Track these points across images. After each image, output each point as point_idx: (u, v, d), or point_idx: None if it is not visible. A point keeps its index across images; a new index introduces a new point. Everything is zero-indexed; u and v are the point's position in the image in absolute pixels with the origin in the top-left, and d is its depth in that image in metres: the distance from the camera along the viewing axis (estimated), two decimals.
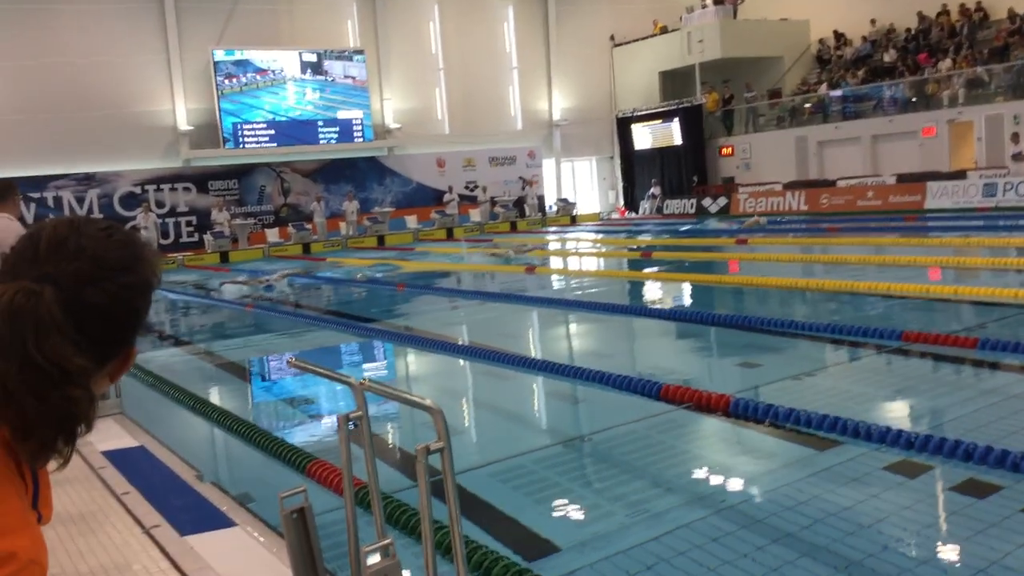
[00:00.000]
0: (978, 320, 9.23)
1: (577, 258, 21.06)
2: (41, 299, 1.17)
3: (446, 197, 31.16)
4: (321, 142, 30.94)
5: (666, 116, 33.40)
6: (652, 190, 32.90)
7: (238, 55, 29.35)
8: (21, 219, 6.72)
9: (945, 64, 27.35)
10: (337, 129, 31.14)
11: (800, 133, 29.98)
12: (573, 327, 11.70)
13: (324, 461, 5.52)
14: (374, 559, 2.76)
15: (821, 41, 33.46)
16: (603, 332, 11.04)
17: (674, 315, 11.13)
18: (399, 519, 4.49)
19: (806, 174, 29.27)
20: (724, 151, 32.47)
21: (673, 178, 33.25)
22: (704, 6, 33.84)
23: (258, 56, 29.70)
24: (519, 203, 32.47)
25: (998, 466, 4.78)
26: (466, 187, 32.60)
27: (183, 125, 28.82)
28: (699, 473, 5.48)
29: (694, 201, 30.92)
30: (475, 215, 31.12)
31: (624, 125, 35.07)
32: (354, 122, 31.33)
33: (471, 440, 6.77)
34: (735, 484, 5.17)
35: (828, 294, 11.61)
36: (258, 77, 29.72)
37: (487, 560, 3.93)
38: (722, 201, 29.83)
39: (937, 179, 24.42)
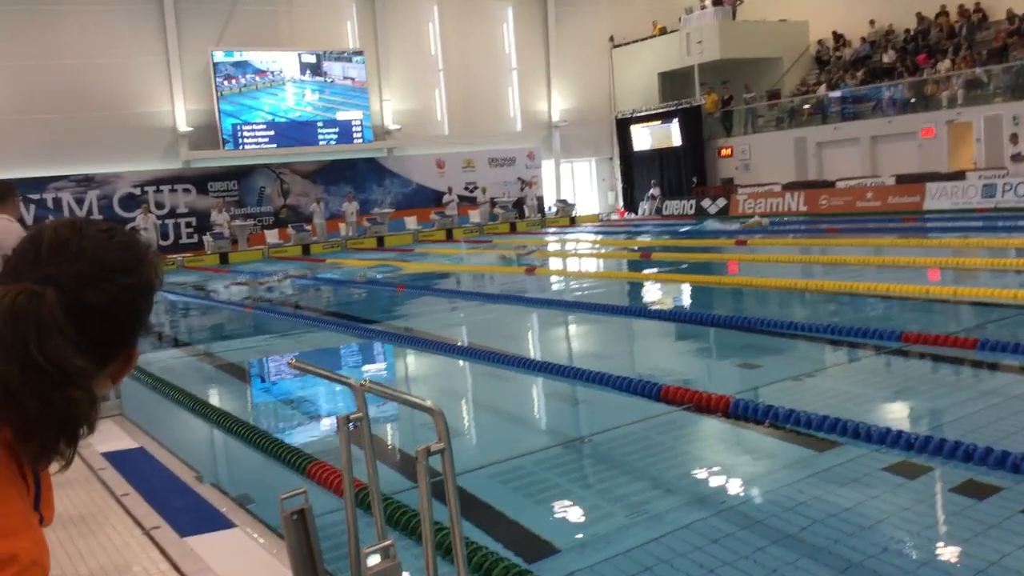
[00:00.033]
0: (977, 321, 9.23)
1: (577, 259, 21.06)
2: (43, 300, 1.17)
3: (445, 198, 31.17)
4: (320, 143, 30.94)
5: (665, 117, 33.41)
6: (651, 191, 32.91)
7: (237, 56, 29.35)
8: (20, 220, 6.71)
9: (944, 65, 27.36)
10: (336, 130, 31.14)
11: (799, 134, 29.99)
12: (573, 328, 11.70)
13: (324, 462, 5.52)
14: (374, 560, 2.76)
15: (820, 42, 33.48)
16: (603, 333, 11.04)
17: (674, 316, 11.13)
18: (399, 520, 4.49)
19: (805, 175, 29.28)
20: (723, 152, 32.48)
21: (672, 179, 33.26)
22: (703, 7, 33.85)
23: (257, 57, 29.71)
24: (518, 204, 32.47)
25: (998, 467, 4.79)
26: (465, 188, 32.61)
27: (182, 126, 28.82)
28: (699, 474, 5.48)
29: (693, 202, 30.93)
30: (474, 216, 31.13)
31: (623, 126, 35.09)
32: (353, 123, 31.33)
33: (471, 441, 6.77)
34: (735, 485, 5.17)
35: (827, 295, 11.62)
36: (257, 78, 29.72)
37: (487, 561, 3.93)
38: (721, 202, 29.84)
39: (936, 180, 24.43)
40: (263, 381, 10.12)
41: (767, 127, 31.91)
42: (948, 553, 4.09)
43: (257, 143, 29.87)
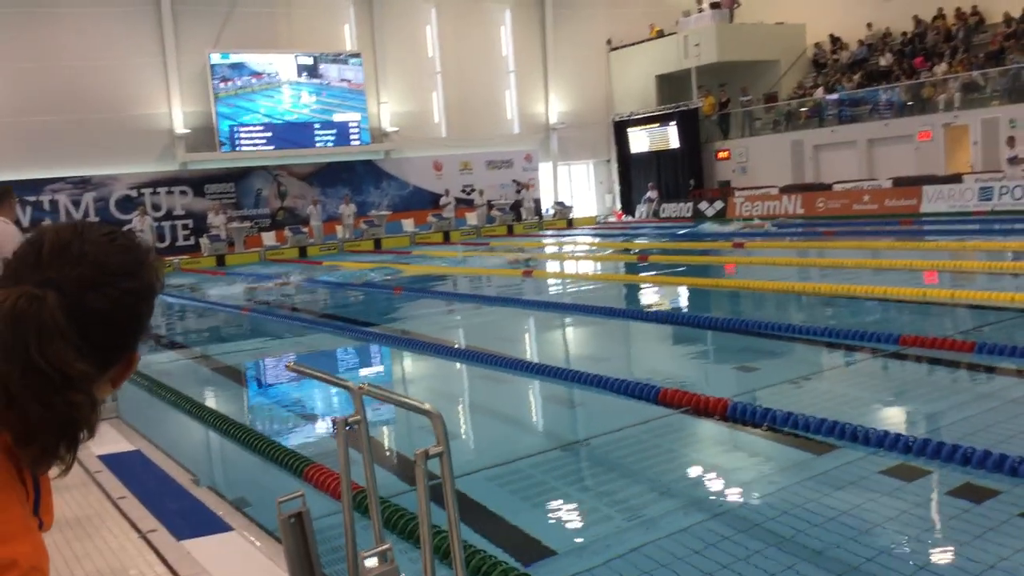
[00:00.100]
0: (975, 324, 9.24)
1: (574, 262, 21.07)
2: (44, 304, 1.17)
3: (443, 200, 31.17)
4: (318, 145, 30.92)
5: (663, 120, 33.44)
6: (649, 194, 32.92)
7: (233, 58, 29.33)
8: (17, 222, 6.71)
9: (941, 68, 27.41)
10: (334, 132, 31.12)
11: (796, 137, 30.02)
12: (570, 331, 11.70)
13: (321, 465, 5.51)
14: (372, 564, 2.75)
15: (817, 45, 33.53)
16: (600, 336, 11.04)
17: (672, 318, 11.13)
18: (397, 524, 4.48)
19: (802, 178, 29.32)
20: (720, 155, 32.51)
21: (670, 182, 33.27)
22: (700, 10, 33.91)
23: (253, 59, 29.69)
24: (515, 207, 32.48)
25: (996, 470, 4.78)
26: (463, 190, 32.61)
27: (179, 128, 28.80)
28: (697, 477, 5.48)
29: (690, 205, 30.95)
30: (472, 218, 31.14)
31: (621, 129, 35.11)
32: (350, 125, 31.32)
33: (469, 444, 6.76)
34: (733, 488, 5.16)
35: (825, 298, 11.64)
36: (254, 80, 29.70)
37: (485, 564, 3.92)
38: (718, 205, 29.86)
39: (933, 183, 24.46)
40: (260, 384, 10.11)
41: (764, 130, 31.95)
42: (946, 556, 4.09)
43: (254, 145, 29.85)
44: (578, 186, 37.20)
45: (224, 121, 29.28)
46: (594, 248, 23.60)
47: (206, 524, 4.68)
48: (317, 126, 30.86)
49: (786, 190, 28.39)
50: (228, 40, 29.41)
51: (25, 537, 1.15)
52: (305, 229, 28.50)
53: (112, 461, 5.89)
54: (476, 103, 33.79)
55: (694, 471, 5.61)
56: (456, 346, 10.75)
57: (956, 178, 24.32)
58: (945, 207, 23.54)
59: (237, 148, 29.54)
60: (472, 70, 33.71)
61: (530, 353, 10.41)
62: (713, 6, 33.35)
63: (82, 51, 27.13)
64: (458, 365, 9.75)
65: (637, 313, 12.12)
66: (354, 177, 31.26)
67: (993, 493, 4.62)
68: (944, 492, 4.82)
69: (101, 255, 1.25)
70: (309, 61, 30.52)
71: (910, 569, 3.89)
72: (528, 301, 13.47)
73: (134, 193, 27.69)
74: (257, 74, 29.78)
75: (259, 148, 29.95)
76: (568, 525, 4.85)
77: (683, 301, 13.19)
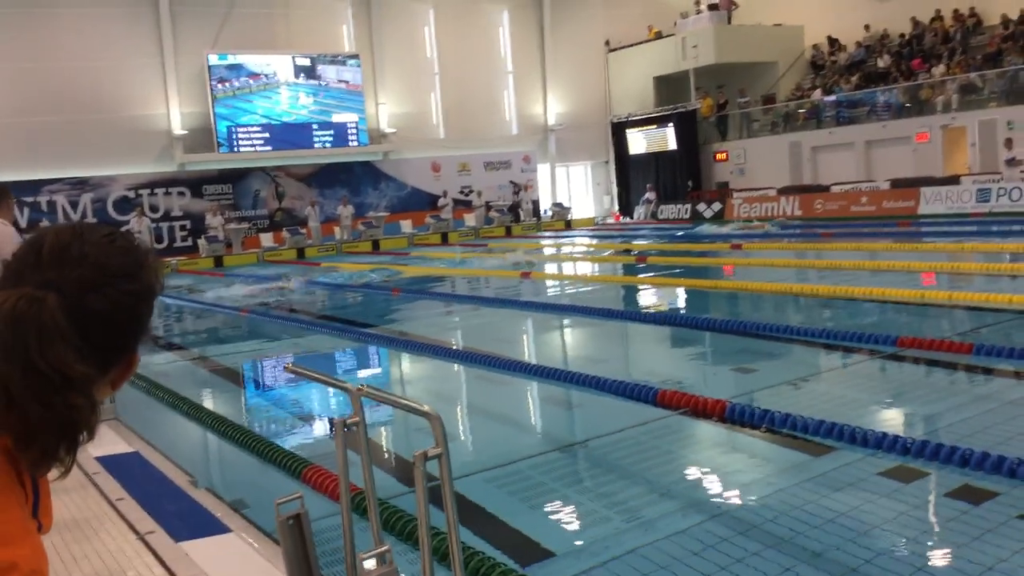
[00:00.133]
0: (972, 325, 9.26)
1: (572, 263, 21.07)
2: (44, 305, 1.17)
3: (441, 201, 31.16)
4: (316, 146, 30.90)
5: (661, 121, 33.44)
6: (647, 195, 32.93)
7: (231, 59, 29.31)
8: (15, 223, 6.70)
9: (939, 70, 27.44)
10: (332, 132, 31.10)
11: (794, 138, 30.04)
12: (569, 332, 11.70)
13: (320, 467, 5.51)
14: (371, 565, 2.75)
15: (815, 46, 33.55)
16: (599, 337, 11.04)
17: (670, 320, 11.13)
18: (396, 525, 4.48)
19: (800, 179, 29.33)
20: (718, 156, 32.52)
21: (668, 183, 33.28)
22: (698, 11, 33.92)
23: (251, 60, 29.67)
24: (514, 208, 32.48)
25: (994, 472, 4.79)
26: (461, 191, 32.60)
27: (177, 129, 28.77)
28: (695, 479, 5.48)
29: (689, 206, 30.96)
30: (470, 219, 31.14)
31: (619, 130, 35.11)
32: (348, 125, 31.30)
33: (467, 445, 6.76)
34: (731, 490, 5.16)
35: (823, 299, 11.65)
36: (251, 81, 29.68)
37: (483, 566, 3.92)
38: (716, 206, 29.87)
39: (931, 184, 24.48)
40: (258, 385, 10.10)
41: (762, 131, 31.96)
42: (944, 558, 4.09)
43: (252, 146, 29.82)
44: (576, 187, 37.21)
45: (222, 122, 29.26)
46: (592, 249, 23.60)
47: (204, 526, 4.68)
48: (315, 127, 30.85)
49: (784, 191, 28.41)
50: (226, 41, 29.39)
51: (24, 540, 1.14)
52: (303, 230, 28.49)
53: (110, 463, 5.89)
54: (474, 104, 33.79)
55: (692, 473, 5.61)
56: (455, 347, 10.75)
57: (954, 180, 24.35)
58: (943, 209, 23.56)
59: (235, 149, 29.52)
60: (470, 71, 33.71)
61: (528, 354, 10.41)
62: (711, 7, 33.38)
63: (80, 52, 27.11)
64: (457, 366, 9.75)
65: (635, 314, 12.13)
66: (352, 178, 31.25)
67: (991, 495, 4.62)
68: (942, 494, 4.82)
69: (101, 256, 1.25)
70: (307, 62, 30.52)
71: (908, 571, 3.89)
72: (526, 302, 13.47)
73: (132, 194, 27.67)
74: (255, 75, 29.76)
75: (257, 149, 29.93)
76: (567, 527, 4.84)
77: (681, 302, 13.20)
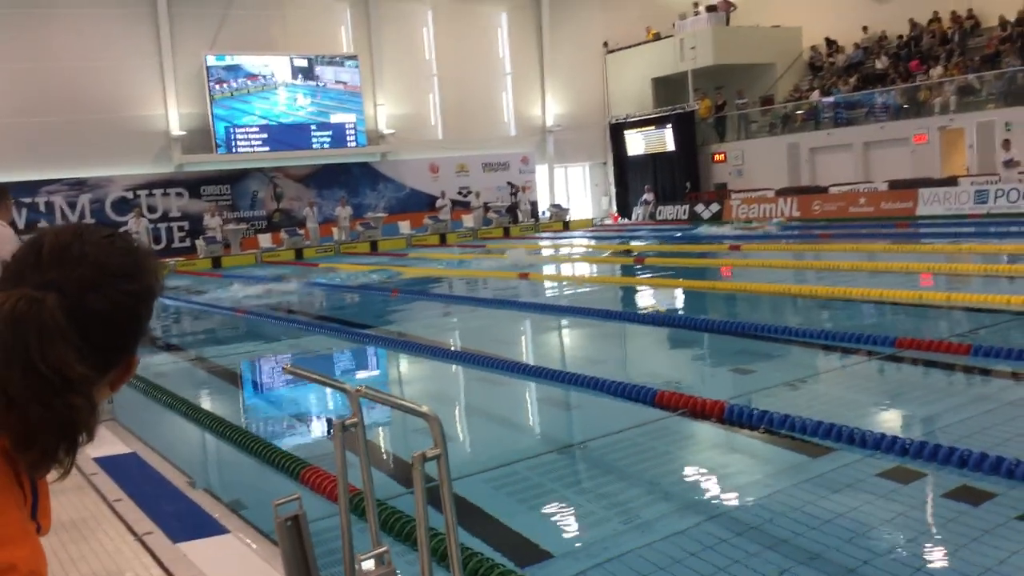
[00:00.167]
0: (971, 326, 9.26)
1: (570, 264, 21.06)
2: (44, 306, 1.16)
3: (439, 202, 31.15)
4: (314, 146, 30.88)
5: (659, 122, 33.45)
6: (645, 196, 32.93)
7: (228, 60, 29.29)
8: (12, 224, 6.70)
9: (936, 71, 27.46)
10: (330, 133, 31.08)
11: (792, 140, 30.06)
12: (567, 333, 11.70)
13: (318, 467, 5.51)
14: (369, 567, 2.74)
15: (813, 48, 33.57)
16: (597, 338, 11.04)
17: (668, 321, 11.13)
18: (394, 526, 4.47)
19: (798, 180, 29.35)
20: (717, 157, 32.53)
21: (666, 184, 33.29)
22: (697, 13, 33.94)
23: (248, 61, 29.65)
24: (512, 209, 32.48)
25: (992, 473, 4.79)
26: (459, 192, 32.59)
27: (175, 130, 28.76)
28: (693, 479, 5.47)
29: (687, 207, 30.97)
30: (468, 220, 31.14)
31: (617, 131, 35.12)
32: (347, 126, 31.28)
33: (466, 446, 6.76)
34: (729, 491, 5.16)
35: (821, 300, 11.65)
36: (249, 82, 29.66)
37: (482, 567, 3.92)
38: (715, 207, 29.87)
39: (929, 186, 24.49)
40: (256, 386, 10.10)
41: (760, 132, 31.98)
42: (943, 559, 4.09)
43: (250, 146, 29.80)
44: (574, 188, 37.21)
45: (220, 123, 29.23)
46: (590, 250, 23.60)
47: (202, 527, 4.67)
48: (313, 127, 30.83)
49: (782, 193, 28.42)
50: (225, 42, 29.38)
51: (23, 541, 1.14)
52: (301, 231, 28.48)
53: (108, 463, 5.88)
54: (472, 105, 33.79)
55: (691, 473, 5.61)
56: (453, 348, 10.75)
57: (952, 181, 24.36)
58: (941, 210, 23.57)
59: (233, 150, 29.50)
60: (468, 72, 33.71)
61: (527, 355, 10.41)
62: (709, 9, 33.40)
63: (78, 52, 27.09)
64: (455, 367, 9.75)
65: (634, 315, 12.13)
66: (350, 179, 31.23)
67: (990, 495, 4.62)
68: (941, 494, 4.82)
69: (101, 257, 1.25)
70: (304, 63, 30.50)
71: (907, 572, 3.89)
72: (525, 303, 13.47)
73: (130, 195, 27.64)
74: (252, 76, 29.74)
75: (255, 150, 29.91)
76: (565, 528, 4.84)
77: (679, 303, 13.20)
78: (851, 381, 7.69)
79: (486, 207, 31.78)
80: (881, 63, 30.01)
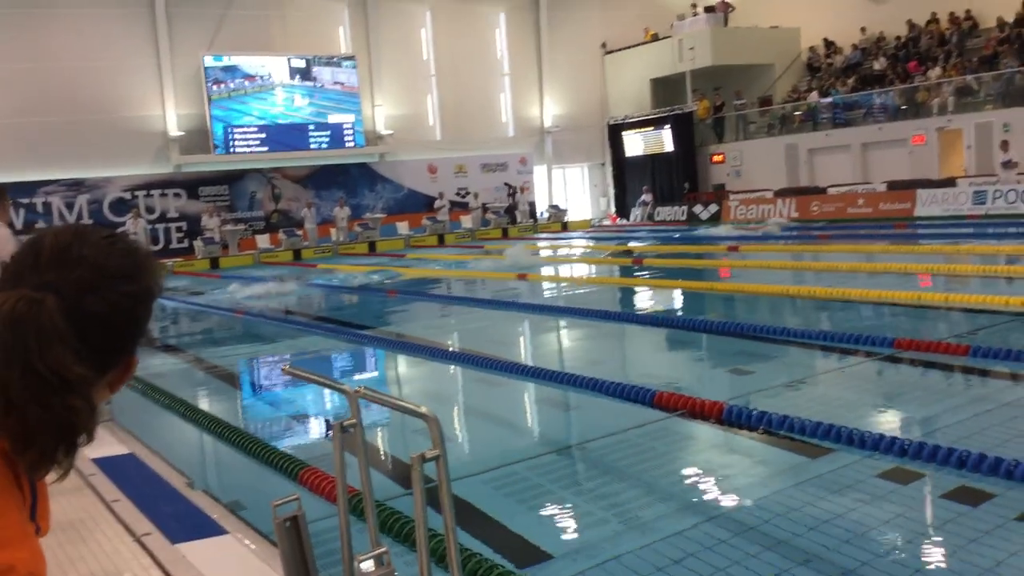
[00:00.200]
0: (969, 327, 9.26)
1: (569, 265, 21.07)
2: (43, 307, 1.16)
3: (437, 203, 31.13)
4: (312, 147, 30.86)
5: (657, 123, 33.46)
6: (643, 197, 32.94)
7: (226, 60, 29.27)
8: (10, 225, 6.69)
9: (935, 72, 27.48)
10: (328, 133, 31.06)
11: (790, 140, 30.07)
12: (565, 334, 11.69)
13: (317, 468, 5.50)
14: (368, 567, 2.74)
15: (811, 49, 33.59)
16: (596, 339, 11.04)
17: (667, 322, 11.13)
18: (393, 527, 4.47)
19: (796, 181, 29.37)
20: (715, 158, 32.55)
21: (664, 185, 33.30)
22: (695, 14, 33.96)
23: (245, 62, 29.62)
24: (510, 210, 32.48)
25: (991, 474, 4.79)
26: (457, 193, 32.58)
27: (173, 131, 28.74)
28: (692, 480, 5.47)
29: (685, 208, 30.98)
30: (466, 221, 31.14)
31: (615, 132, 35.13)
32: (345, 126, 31.26)
33: (464, 447, 6.76)
34: (728, 491, 5.16)
35: (819, 301, 11.65)
36: (246, 83, 29.63)
37: (481, 568, 3.91)
38: (713, 208, 29.89)
39: (927, 187, 24.50)
40: (255, 387, 10.09)
41: (759, 133, 32.00)
42: (941, 560, 4.09)
43: (248, 147, 29.78)
44: (573, 189, 37.22)
45: (218, 124, 29.22)
46: (589, 251, 23.60)
47: (201, 527, 4.67)
48: (311, 128, 30.81)
49: (780, 194, 28.43)
50: (223, 43, 29.36)
51: (23, 542, 1.14)
52: (299, 232, 28.47)
53: (106, 464, 5.87)
54: (471, 106, 33.79)
55: (690, 474, 5.61)
56: (452, 349, 10.75)
57: (950, 182, 24.37)
58: (939, 211, 23.58)
59: (231, 151, 29.48)
60: (467, 73, 33.70)
61: (525, 356, 10.40)
62: (708, 10, 33.42)
63: (76, 53, 27.06)
64: (454, 368, 9.74)
65: (632, 316, 12.13)
66: (348, 180, 31.22)
67: (988, 496, 4.63)
68: (939, 495, 4.82)
69: (100, 258, 1.25)
70: (302, 64, 30.48)
71: (906, 573, 3.89)
72: (523, 304, 13.47)
73: (128, 195, 27.63)
74: (250, 76, 29.73)
75: (253, 150, 29.89)
76: (564, 528, 4.84)
77: (678, 304, 13.20)
78: (850, 382, 7.69)
79: (484, 208, 31.78)
80: (879, 64, 30.04)
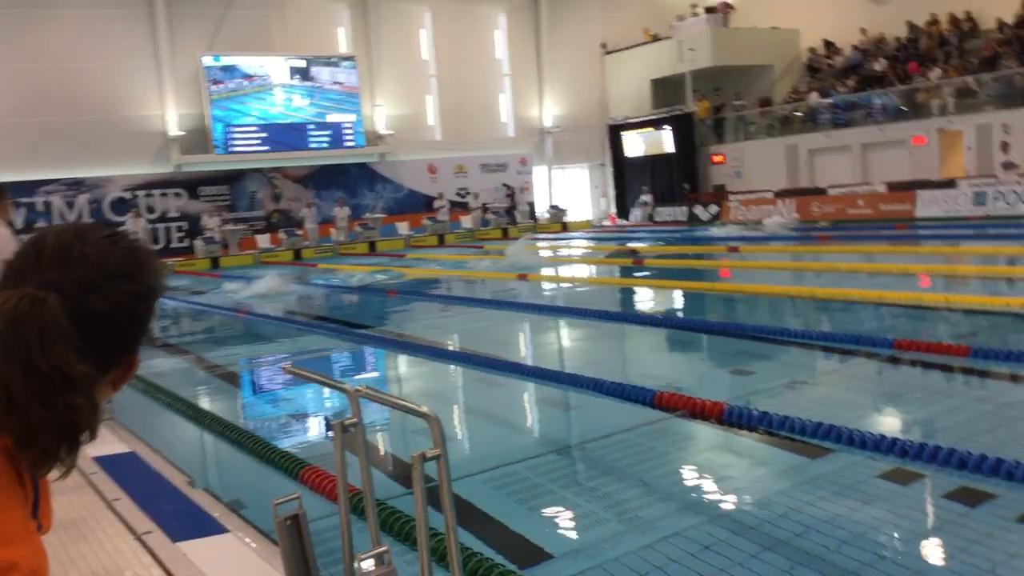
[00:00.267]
0: (969, 328, 9.26)
1: (569, 265, 21.06)
2: (45, 306, 1.16)
3: (436, 203, 31.15)
4: (312, 147, 30.88)
5: (657, 124, 33.47)
6: (643, 197, 32.95)
7: (224, 60, 29.27)
8: (11, 224, 6.69)
9: (935, 73, 27.47)
10: (328, 133, 31.08)
11: (791, 141, 30.08)
12: (566, 334, 11.69)
13: (317, 467, 5.50)
14: (369, 566, 2.74)
15: (811, 50, 33.59)
16: (596, 339, 11.04)
17: (667, 322, 11.13)
18: (394, 526, 4.47)
19: (797, 182, 29.37)
20: (715, 159, 32.55)
21: (664, 186, 33.30)
22: (695, 15, 33.96)
23: (244, 62, 29.62)
24: (510, 210, 32.49)
25: (992, 474, 4.79)
26: (457, 193, 32.60)
27: (173, 130, 28.75)
28: (692, 480, 5.47)
29: (685, 209, 30.98)
30: (466, 221, 31.17)
31: (615, 132, 35.14)
32: (344, 127, 31.27)
33: (465, 447, 6.76)
34: (728, 492, 5.16)
35: (820, 302, 11.65)
36: (245, 83, 29.65)
37: (481, 567, 3.91)
38: (713, 209, 29.89)
39: (927, 188, 24.51)
40: (256, 386, 10.09)
41: (759, 134, 32.00)
42: (942, 560, 4.10)
43: (248, 147, 29.79)
44: (573, 190, 37.22)
45: (217, 123, 29.23)
46: (589, 252, 23.60)
47: (202, 526, 4.67)
48: (311, 127, 30.81)
49: (781, 194, 28.44)
50: (223, 43, 29.38)
51: (25, 540, 1.14)
52: (300, 232, 28.49)
53: (107, 463, 5.87)
54: (471, 106, 33.80)
55: (690, 475, 5.61)
56: (452, 349, 10.75)
57: (950, 183, 24.37)
58: (939, 212, 23.59)
59: (231, 150, 29.49)
60: (467, 73, 33.72)
61: (526, 356, 10.40)
62: (708, 10, 33.42)
63: (76, 53, 27.08)
64: (454, 368, 9.74)
65: (632, 316, 12.13)
66: (348, 180, 31.23)
67: (989, 497, 4.62)
68: (940, 496, 4.82)
69: (102, 257, 1.25)
70: (301, 64, 30.49)
71: (906, 573, 3.89)
72: (523, 304, 13.47)
73: (128, 195, 27.65)
74: (249, 76, 29.73)
75: (253, 150, 29.90)
76: (564, 528, 4.84)
77: (678, 304, 13.20)
78: (850, 382, 7.69)
79: (484, 208, 31.80)
80: (879, 65, 30.02)
